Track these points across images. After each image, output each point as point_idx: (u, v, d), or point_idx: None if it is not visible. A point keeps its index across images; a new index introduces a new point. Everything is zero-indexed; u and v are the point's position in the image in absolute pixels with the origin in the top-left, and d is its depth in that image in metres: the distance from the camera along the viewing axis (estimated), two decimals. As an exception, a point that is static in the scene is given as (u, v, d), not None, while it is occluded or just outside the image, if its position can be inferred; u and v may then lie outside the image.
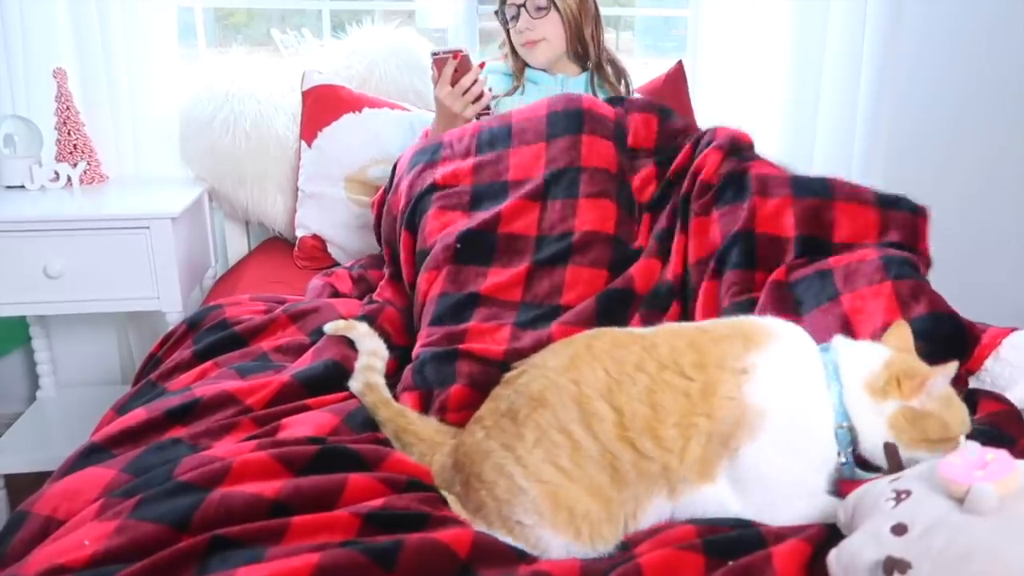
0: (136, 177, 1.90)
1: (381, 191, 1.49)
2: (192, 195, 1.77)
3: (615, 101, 1.48)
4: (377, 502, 0.80)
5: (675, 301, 1.21)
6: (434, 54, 1.54)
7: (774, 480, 0.80)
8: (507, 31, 1.68)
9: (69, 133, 1.79)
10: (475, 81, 1.54)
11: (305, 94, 1.83)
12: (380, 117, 1.81)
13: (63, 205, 1.67)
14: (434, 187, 1.32)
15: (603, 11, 1.71)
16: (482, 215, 1.25)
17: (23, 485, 1.81)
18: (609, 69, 1.69)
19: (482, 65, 1.59)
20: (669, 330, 0.87)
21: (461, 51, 1.53)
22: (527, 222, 1.25)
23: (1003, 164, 2.38)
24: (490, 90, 1.59)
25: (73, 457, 0.91)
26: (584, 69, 1.70)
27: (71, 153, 1.80)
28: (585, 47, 1.66)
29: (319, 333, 1.17)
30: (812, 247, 1.15)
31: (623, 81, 1.71)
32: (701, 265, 1.19)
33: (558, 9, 1.61)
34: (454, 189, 1.31)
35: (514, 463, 0.81)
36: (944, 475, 0.68)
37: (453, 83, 1.52)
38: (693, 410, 0.79)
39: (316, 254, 1.80)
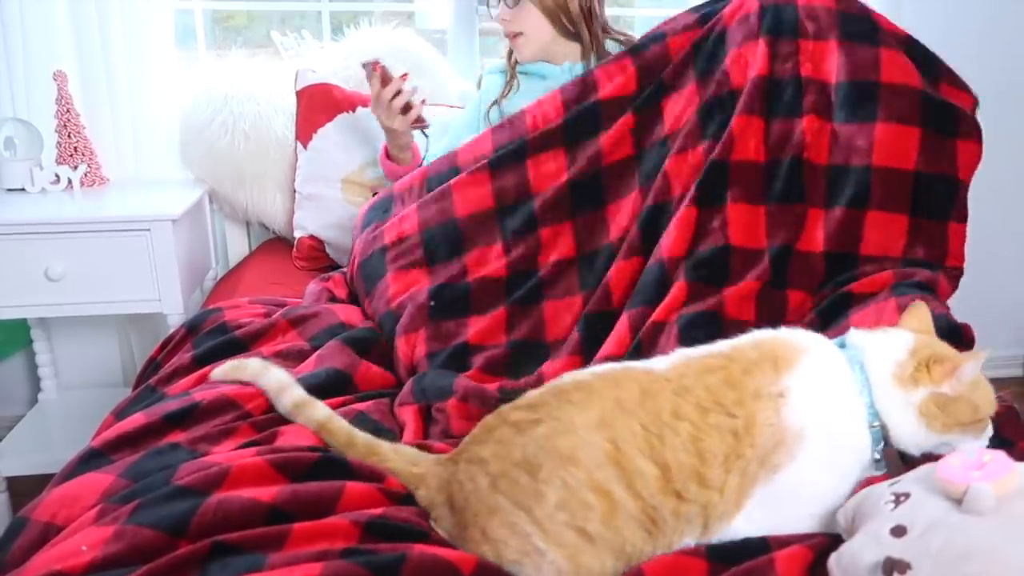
0: (136, 179, 1.90)
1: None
2: (192, 197, 1.77)
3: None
4: (376, 511, 0.80)
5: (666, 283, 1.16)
6: (363, 65, 1.52)
7: (808, 495, 0.79)
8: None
9: (69, 136, 1.79)
10: (398, 92, 1.49)
11: (299, 93, 1.83)
12: (374, 117, 1.81)
13: (64, 207, 1.67)
14: (384, 248, 1.31)
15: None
16: (446, 270, 1.24)
17: (25, 488, 1.81)
18: (611, 46, 1.57)
19: (404, 76, 1.52)
20: (694, 367, 0.82)
21: (377, 62, 1.49)
22: (495, 268, 1.24)
23: (1004, 163, 2.37)
24: (423, 102, 1.54)
25: (72, 463, 0.91)
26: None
27: (71, 156, 1.80)
28: (577, 28, 1.53)
29: (319, 338, 1.17)
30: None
31: None
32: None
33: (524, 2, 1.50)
34: (405, 244, 1.29)
35: (530, 523, 0.76)
36: (942, 476, 0.68)
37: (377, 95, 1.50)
38: (739, 445, 0.77)
39: (314, 255, 1.80)
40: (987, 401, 0.80)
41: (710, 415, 0.77)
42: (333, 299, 1.37)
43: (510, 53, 1.61)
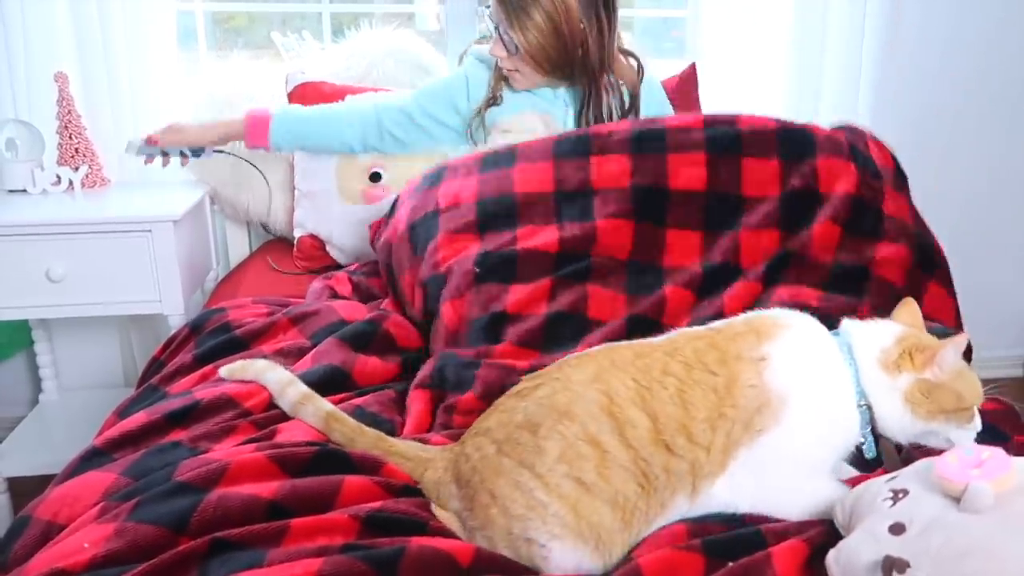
0: (138, 180, 1.90)
1: (380, 219, 1.49)
2: (194, 198, 1.78)
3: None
4: (374, 504, 0.80)
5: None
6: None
7: (792, 464, 0.81)
8: None
9: (71, 137, 1.80)
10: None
11: (290, 95, 1.83)
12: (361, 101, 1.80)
13: (65, 209, 1.67)
14: (437, 211, 1.30)
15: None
16: (497, 239, 1.23)
17: (26, 488, 1.81)
18: (610, 77, 1.54)
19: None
20: (686, 334, 0.88)
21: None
22: (546, 242, 1.23)
23: (1004, 163, 2.38)
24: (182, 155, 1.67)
25: (74, 461, 0.91)
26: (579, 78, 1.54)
27: (73, 157, 1.80)
28: (571, 65, 1.49)
29: (320, 336, 1.17)
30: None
31: (640, 74, 1.59)
32: None
33: (521, 52, 1.47)
34: (459, 210, 1.28)
35: (533, 478, 0.80)
36: (940, 474, 0.68)
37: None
38: (721, 403, 0.80)
39: (315, 253, 1.80)
40: (972, 390, 0.83)
41: (694, 371, 0.82)
42: (335, 295, 1.37)
43: (498, 66, 1.56)
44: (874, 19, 2.02)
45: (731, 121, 1.29)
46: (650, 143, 1.28)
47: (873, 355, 0.83)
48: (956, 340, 0.80)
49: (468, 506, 0.83)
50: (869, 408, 0.82)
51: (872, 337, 0.85)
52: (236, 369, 1.04)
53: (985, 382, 0.85)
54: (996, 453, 0.69)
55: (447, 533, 0.80)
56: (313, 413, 0.95)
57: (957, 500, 0.66)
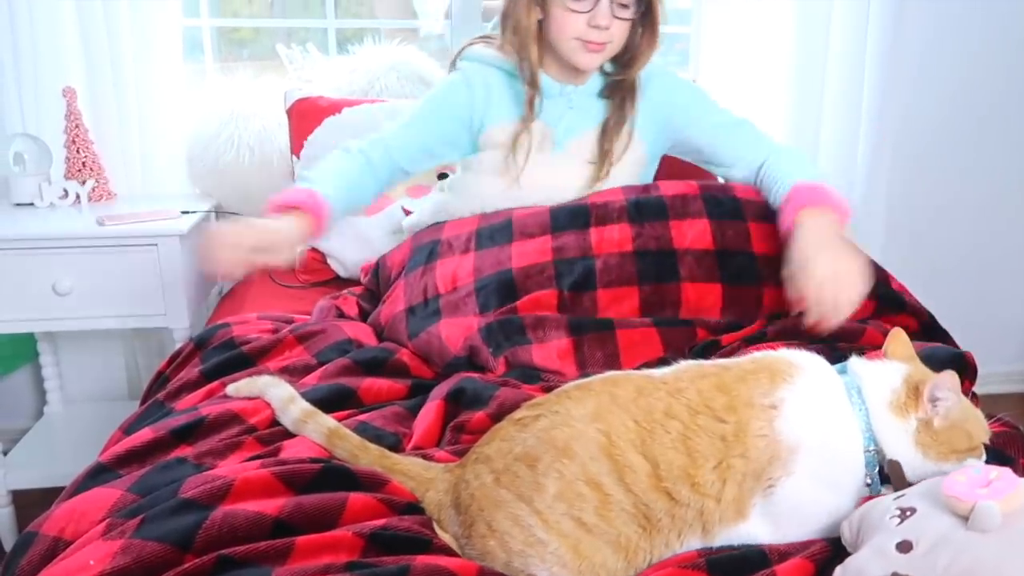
0: (144, 194, 1.91)
1: (369, 264, 1.49)
2: (199, 212, 1.78)
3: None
4: (379, 522, 0.80)
5: None
6: None
7: (808, 511, 0.79)
8: (523, 20, 1.30)
9: (78, 151, 1.81)
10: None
11: (289, 112, 1.85)
12: (359, 113, 1.82)
13: (72, 222, 1.68)
14: (438, 296, 1.27)
15: None
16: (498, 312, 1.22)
17: (30, 501, 1.82)
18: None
19: None
20: (691, 372, 0.84)
21: None
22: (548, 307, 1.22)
23: (1005, 177, 2.38)
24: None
25: (80, 477, 0.91)
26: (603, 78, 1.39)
27: (80, 171, 1.82)
28: (633, 60, 1.34)
29: (326, 354, 1.17)
30: None
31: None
32: None
33: (651, 11, 1.30)
34: (457, 293, 1.25)
35: (531, 514, 0.78)
36: (948, 493, 0.68)
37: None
38: (729, 452, 0.78)
39: (316, 267, 1.81)
40: (980, 427, 0.82)
41: (699, 416, 0.79)
42: (341, 315, 1.37)
43: (529, 49, 1.32)
44: (876, 33, 2.03)
45: (725, 189, 1.34)
46: (650, 211, 1.28)
47: (884, 398, 0.81)
48: (941, 377, 0.79)
49: (466, 533, 0.82)
50: (878, 453, 0.80)
51: (881, 379, 0.83)
52: (242, 387, 1.04)
53: (986, 398, 0.85)
54: (1004, 473, 0.69)
55: (451, 552, 0.80)
56: (315, 430, 0.95)
57: (965, 519, 0.66)
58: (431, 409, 1.05)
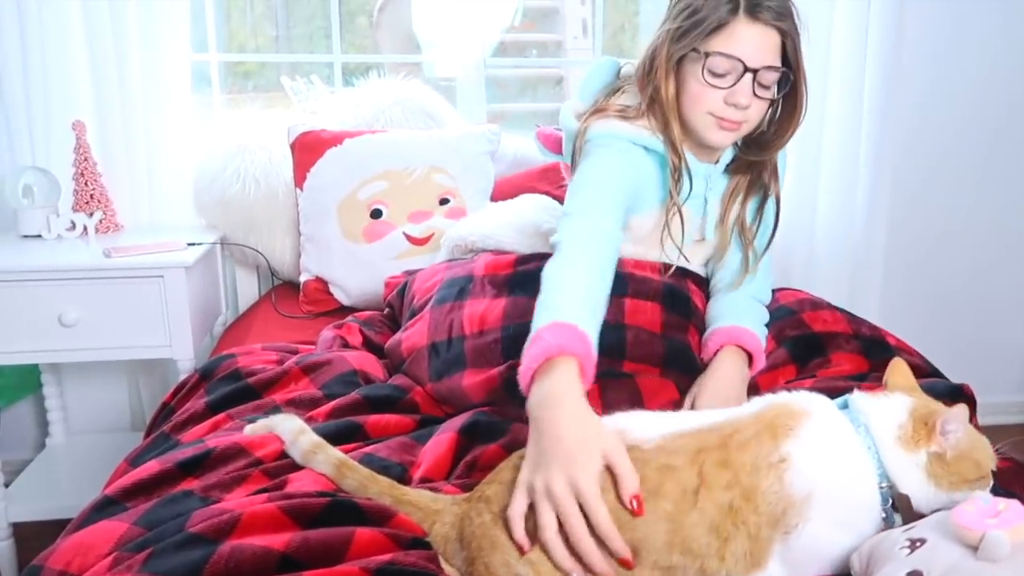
0: (151, 225, 1.93)
1: (395, 280, 1.49)
2: (205, 244, 1.79)
3: None
4: (384, 557, 0.80)
5: None
6: None
7: (825, 552, 0.79)
8: (663, 90, 1.17)
9: (86, 183, 1.83)
10: None
11: (292, 146, 1.87)
12: (361, 143, 1.85)
13: (79, 254, 1.69)
14: (463, 337, 1.23)
15: (603, 58, 1.35)
16: None
17: (31, 533, 1.80)
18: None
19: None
20: (687, 440, 0.82)
21: None
22: None
23: (1010, 199, 2.39)
24: None
25: (86, 510, 0.91)
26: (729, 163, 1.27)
27: (87, 203, 1.84)
28: (772, 142, 1.23)
29: (331, 386, 1.17)
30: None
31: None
32: None
33: (795, 91, 1.18)
34: (483, 337, 1.21)
35: (524, 563, 0.79)
36: (957, 523, 0.68)
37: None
38: (738, 515, 0.78)
39: (320, 297, 1.82)
40: (987, 455, 0.82)
41: (699, 497, 0.78)
42: (346, 345, 1.37)
43: (663, 123, 1.19)
44: (875, 61, 2.05)
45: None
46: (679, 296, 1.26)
47: (891, 433, 0.81)
48: (952, 411, 0.79)
49: (468, 570, 0.82)
50: (891, 488, 0.80)
51: (887, 413, 0.83)
52: (258, 428, 1.03)
53: (988, 429, 0.85)
54: (1012, 504, 0.69)
55: None
56: (324, 461, 0.95)
57: (974, 549, 0.67)
58: (443, 441, 1.05)
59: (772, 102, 1.19)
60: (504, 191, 1.87)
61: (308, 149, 1.84)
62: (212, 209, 1.92)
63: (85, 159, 1.82)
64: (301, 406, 1.14)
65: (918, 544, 0.70)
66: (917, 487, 0.80)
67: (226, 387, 1.17)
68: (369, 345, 1.41)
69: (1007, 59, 2.28)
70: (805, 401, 0.85)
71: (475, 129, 1.95)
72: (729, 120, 1.15)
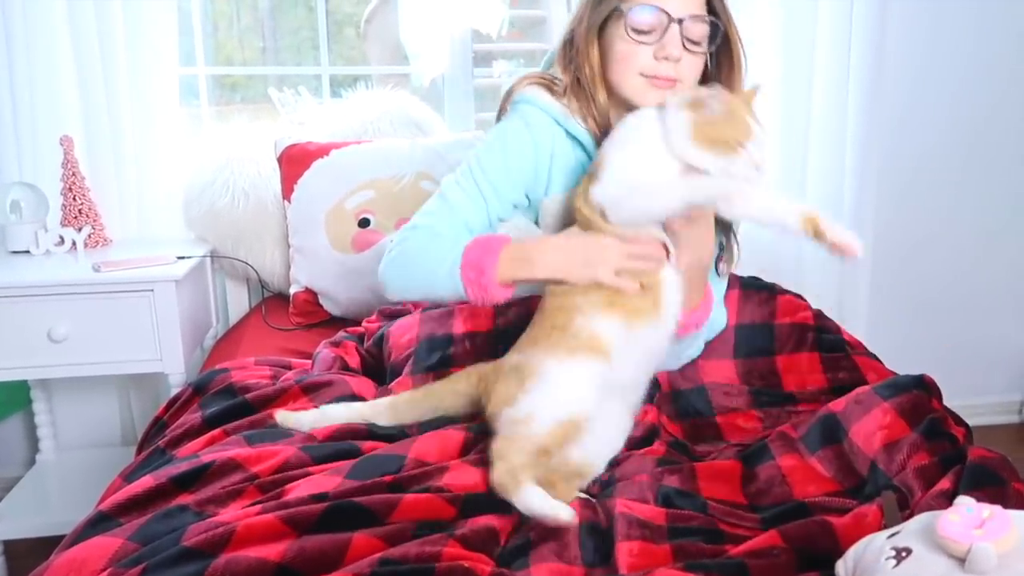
0: (140, 239, 1.93)
1: (374, 323, 1.47)
2: (195, 257, 1.79)
3: None
4: (375, 556, 0.80)
5: None
6: None
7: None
8: (588, 59, 1.15)
9: (75, 198, 1.83)
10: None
11: (280, 159, 1.88)
12: (348, 153, 1.86)
13: (67, 269, 1.69)
14: (450, 339, 1.25)
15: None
16: None
17: (22, 551, 1.79)
18: None
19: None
20: None
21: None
22: None
23: (995, 200, 2.41)
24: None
25: (80, 526, 0.91)
26: None
27: (76, 218, 1.83)
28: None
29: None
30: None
31: None
32: None
33: (729, 45, 1.16)
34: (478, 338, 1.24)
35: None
36: (943, 534, 0.69)
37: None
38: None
39: (309, 309, 1.82)
40: (742, 132, 0.99)
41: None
42: (345, 366, 1.34)
43: (590, 92, 1.16)
44: (858, 65, 2.07)
45: None
46: None
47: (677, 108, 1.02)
48: (712, 94, 1.01)
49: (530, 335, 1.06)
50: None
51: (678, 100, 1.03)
52: (291, 421, 1.11)
53: (980, 429, 0.87)
54: (996, 512, 0.70)
55: (456, 572, 0.80)
56: (380, 413, 1.11)
57: (961, 560, 0.67)
58: (450, 436, 1.06)
59: (707, 60, 1.16)
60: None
61: (295, 161, 1.85)
62: (201, 222, 1.92)
63: (73, 174, 1.82)
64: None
65: (904, 555, 0.70)
66: (684, 140, 0.98)
67: (222, 402, 1.16)
68: (367, 369, 1.37)
69: (987, 60, 2.30)
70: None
71: (462, 136, 1.97)
72: (663, 77, 1.11)
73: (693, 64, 1.14)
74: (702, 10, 1.12)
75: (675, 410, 1.23)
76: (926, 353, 1.47)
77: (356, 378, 1.28)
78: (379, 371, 1.36)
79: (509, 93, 1.22)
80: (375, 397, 1.21)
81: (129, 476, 1.04)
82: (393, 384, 1.25)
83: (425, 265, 1.12)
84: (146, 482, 0.95)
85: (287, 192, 1.85)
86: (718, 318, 1.27)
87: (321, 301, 1.82)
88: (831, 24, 2.08)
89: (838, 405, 1.08)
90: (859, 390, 1.09)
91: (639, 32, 1.10)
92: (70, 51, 1.82)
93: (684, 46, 1.11)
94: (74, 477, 1.93)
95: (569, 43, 1.18)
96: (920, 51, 2.27)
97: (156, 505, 0.92)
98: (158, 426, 1.25)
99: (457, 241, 1.12)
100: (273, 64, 2.33)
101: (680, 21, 1.10)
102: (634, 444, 1.11)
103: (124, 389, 2.06)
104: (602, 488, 1.04)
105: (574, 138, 1.19)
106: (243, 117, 2.10)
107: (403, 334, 1.32)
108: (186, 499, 0.92)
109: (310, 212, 1.82)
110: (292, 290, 1.85)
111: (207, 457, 0.99)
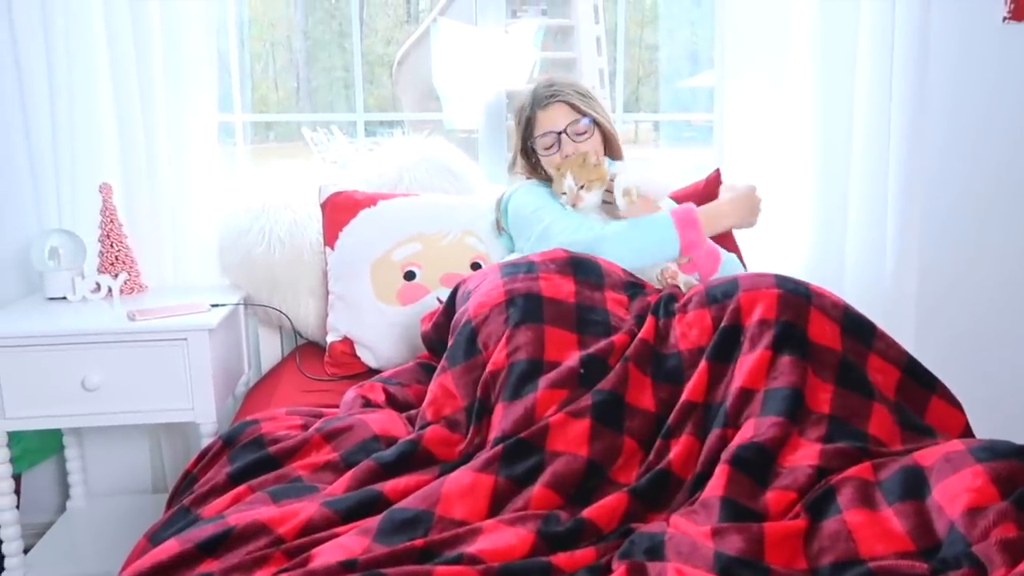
0: (175, 286, 1.93)
1: (436, 311, 1.49)
2: (228, 305, 1.79)
3: None
4: None
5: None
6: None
7: None
8: (530, 160, 1.83)
9: (112, 245, 1.84)
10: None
11: (323, 205, 1.87)
12: (395, 205, 1.86)
13: (102, 317, 1.69)
14: (540, 298, 1.32)
15: (628, 113, 1.83)
16: (596, 343, 1.27)
17: (51, 600, 1.78)
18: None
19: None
20: None
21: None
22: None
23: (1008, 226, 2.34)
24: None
25: (104, 595, 0.89)
26: None
27: (112, 264, 1.84)
28: (615, 154, 1.84)
29: (353, 453, 1.15)
30: None
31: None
32: None
33: (600, 127, 1.78)
34: (559, 306, 1.32)
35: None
36: None
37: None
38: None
39: (346, 360, 1.79)
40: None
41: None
42: (367, 404, 1.33)
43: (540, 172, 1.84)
44: (899, 109, 2.03)
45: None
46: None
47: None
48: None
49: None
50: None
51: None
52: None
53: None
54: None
55: None
56: None
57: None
58: (478, 482, 1.04)
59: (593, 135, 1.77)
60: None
61: (340, 209, 1.85)
62: (236, 269, 1.92)
63: (111, 221, 1.84)
64: (324, 472, 1.12)
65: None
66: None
67: (248, 456, 1.14)
68: (392, 402, 1.38)
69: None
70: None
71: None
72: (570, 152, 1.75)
73: (589, 143, 1.76)
74: (573, 115, 1.75)
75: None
76: (975, 393, 1.41)
77: (378, 412, 1.27)
78: (429, 372, 1.44)
79: (500, 199, 1.86)
80: (402, 427, 1.24)
81: (154, 536, 1.02)
82: (476, 288, 1.41)
83: (645, 229, 1.62)
84: (171, 547, 0.92)
85: (330, 239, 1.84)
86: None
87: (358, 352, 1.79)
88: (871, 60, 2.03)
89: (926, 459, 1.00)
90: (951, 447, 1.01)
91: (546, 148, 1.78)
92: (111, 99, 1.85)
93: (574, 140, 1.75)
94: (104, 524, 1.92)
95: (518, 155, 1.88)
96: (959, 92, 2.23)
97: (180, 572, 0.89)
98: (188, 480, 1.23)
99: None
100: (307, 102, 2.36)
101: (564, 131, 1.75)
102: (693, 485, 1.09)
103: (155, 436, 2.06)
104: (651, 547, 0.98)
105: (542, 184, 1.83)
106: (276, 156, 2.10)
107: (479, 280, 1.45)
108: (211, 566, 0.89)
109: (355, 260, 1.81)
110: (329, 339, 1.82)
111: (232, 519, 0.96)
